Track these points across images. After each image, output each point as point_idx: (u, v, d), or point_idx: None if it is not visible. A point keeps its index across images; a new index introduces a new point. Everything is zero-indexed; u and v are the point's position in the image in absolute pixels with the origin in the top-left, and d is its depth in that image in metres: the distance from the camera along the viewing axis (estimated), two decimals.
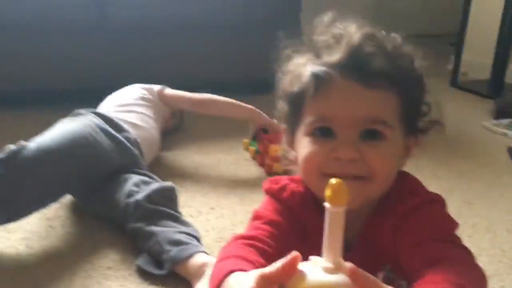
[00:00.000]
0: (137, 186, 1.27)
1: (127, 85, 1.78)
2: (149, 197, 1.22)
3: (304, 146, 0.67)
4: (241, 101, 1.67)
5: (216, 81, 2.31)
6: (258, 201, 0.77)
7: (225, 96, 1.75)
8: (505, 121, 2.19)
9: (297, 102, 0.68)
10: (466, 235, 1.36)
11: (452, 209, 1.55)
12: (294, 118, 0.70)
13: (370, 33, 0.68)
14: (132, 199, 1.22)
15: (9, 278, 1.10)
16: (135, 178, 1.31)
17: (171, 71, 2.20)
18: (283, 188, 0.73)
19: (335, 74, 0.64)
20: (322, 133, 0.66)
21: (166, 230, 1.17)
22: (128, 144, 1.38)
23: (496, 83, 2.68)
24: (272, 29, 0.84)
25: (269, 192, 0.75)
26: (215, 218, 1.37)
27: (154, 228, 1.17)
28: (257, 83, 2.36)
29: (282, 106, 0.72)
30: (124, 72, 2.09)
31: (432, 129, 0.73)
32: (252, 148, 1.73)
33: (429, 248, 0.63)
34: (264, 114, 1.72)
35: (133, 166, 1.37)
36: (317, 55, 0.67)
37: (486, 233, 1.38)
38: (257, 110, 1.72)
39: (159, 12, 2.14)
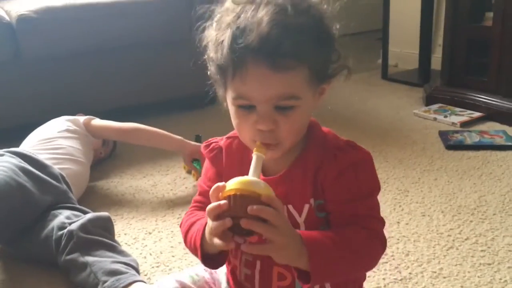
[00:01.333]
0: (69, 219, 1.22)
1: (53, 118, 1.72)
2: (84, 227, 1.18)
3: (233, 114, 0.81)
4: (178, 117, 1.63)
5: (148, 102, 2.29)
6: None
7: (161, 114, 1.71)
8: (434, 106, 2.26)
9: (221, 73, 0.79)
10: (404, 223, 1.38)
11: (390, 198, 1.59)
12: (222, 83, 0.80)
13: (279, 9, 0.74)
14: (65, 230, 1.17)
15: None
16: (66, 212, 1.26)
17: (96, 97, 2.15)
18: (210, 149, 0.93)
19: (248, 60, 0.74)
20: (244, 108, 0.78)
21: (101, 260, 1.12)
22: (53, 181, 1.33)
23: (423, 71, 2.76)
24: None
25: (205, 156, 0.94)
26: (152, 243, 1.33)
27: (89, 259, 1.12)
28: (190, 100, 2.37)
29: (211, 69, 0.81)
30: (47, 106, 2.01)
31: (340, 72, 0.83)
32: (196, 170, 1.68)
33: (345, 212, 0.82)
34: (192, 143, 1.70)
35: (62, 202, 1.31)
36: (234, 35, 0.75)
37: (422, 218, 1.40)
38: (185, 140, 1.70)
39: (79, 40, 2.08)
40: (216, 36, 0.78)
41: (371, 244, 0.82)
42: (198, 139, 1.79)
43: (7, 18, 1.96)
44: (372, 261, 0.84)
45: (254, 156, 0.79)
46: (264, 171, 0.87)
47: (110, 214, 1.28)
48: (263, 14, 0.73)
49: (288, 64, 0.73)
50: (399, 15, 2.89)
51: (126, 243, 1.32)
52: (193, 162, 1.70)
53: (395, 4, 2.80)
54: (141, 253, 1.29)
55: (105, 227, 1.23)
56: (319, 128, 0.89)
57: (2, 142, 1.61)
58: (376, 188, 0.88)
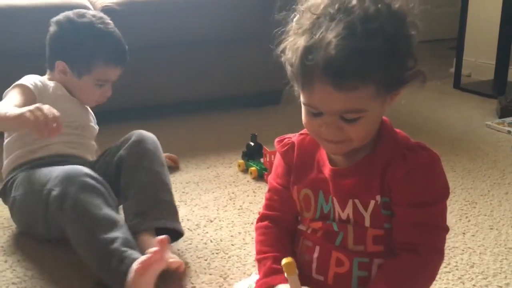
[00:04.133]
0: None
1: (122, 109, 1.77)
2: None
3: (303, 112, 0.85)
4: (239, 114, 1.62)
5: (214, 97, 2.33)
6: (256, 212, 0.77)
7: (224, 110, 1.70)
8: (509, 119, 2.16)
9: (294, 78, 0.82)
10: (470, 234, 1.33)
11: (456, 209, 1.55)
12: (296, 84, 0.83)
13: (348, 32, 0.75)
14: None
15: None
16: None
17: (165, 89, 2.23)
18: (282, 144, 0.96)
19: (315, 78, 0.77)
20: (313, 112, 0.82)
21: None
22: None
23: (499, 82, 2.64)
24: (267, 42, 0.86)
25: (277, 150, 0.97)
26: (213, 230, 1.36)
27: None
28: (261, 97, 2.40)
29: (287, 68, 0.83)
30: (121, 96, 2.09)
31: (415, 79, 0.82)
32: (254, 168, 1.69)
33: (408, 217, 0.84)
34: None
35: None
36: (305, 50, 0.77)
37: (490, 231, 1.35)
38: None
39: (155, 33, 2.16)
40: (293, 40, 0.81)
41: (428, 270, 0.84)
42: (253, 138, 1.79)
43: (92, 8, 2.07)
44: (432, 280, 0.86)
45: (288, 279, 0.82)
46: (335, 162, 0.89)
47: (175, 199, 1.33)
48: (332, 35, 0.75)
49: (351, 85, 0.75)
50: (477, 23, 2.79)
51: (188, 228, 1.36)
52: (249, 161, 1.72)
53: (473, 12, 2.70)
54: (202, 239, 1.32)
55: None
56: (391, 127, 0.89)
57: None
58: (445, 193, 0.87)
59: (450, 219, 1.36)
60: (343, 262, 0.87)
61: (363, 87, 0.76)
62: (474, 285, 1.13)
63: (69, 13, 1.42)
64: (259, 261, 0.94)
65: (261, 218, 0.99)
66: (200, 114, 2.14)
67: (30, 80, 1.35)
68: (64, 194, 1.13)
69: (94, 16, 1.42)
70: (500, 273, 1.17)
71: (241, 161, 1.75)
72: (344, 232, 0.87)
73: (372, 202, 0.85)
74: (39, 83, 1.36)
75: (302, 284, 0.90)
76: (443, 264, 1.18)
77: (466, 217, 1.42)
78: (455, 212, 1.43)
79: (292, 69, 0.81)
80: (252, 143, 1.78)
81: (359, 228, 0.86)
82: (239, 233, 1.34)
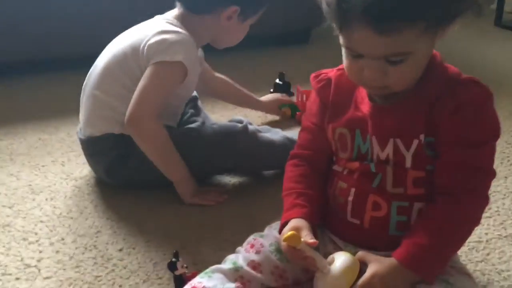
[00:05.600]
0: None
1: None
2: None
3: (343, 53, 0.79)
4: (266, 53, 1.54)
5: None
6: None
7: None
8: None
9: (331, 19, 0.76)
10: None
11: (498, 151, 1.46)
12: (333, 23, 0.77)
13: None
14: None
15: (34, 237, 1.10)
16: None
17: None
18: (318, 80, 0.91)
19: (353, 24, 0.72)
20: (353, 54, 0.76)
21: None
22: None
23: None
24: None
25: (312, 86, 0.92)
26: None
27: None
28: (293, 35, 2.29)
29: (323, 7, 0.77)
30: None
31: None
32: (288, 109, 1.62)
33: (454, 158, 0.78)
34: (264, 100, 1.62)
35: None
36: None
37: None
38: (262, 100, 1.62)
39: None
40: None
41: (469, 216, 0.80)
42: (281, 76, 1.72)
43: None
44: (474, 226, 0.83)
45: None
46: (375, 99, 0.83)
47: None
48: None
49: (395, 27, 0.70)
50: None
51: None
52: (281, 106, 1.64)
53: None
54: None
55: None
56: (441, 61, 0.81)
57: None
58: (495, 134, 0.80)
59: None
60: (380, 206, 0.82)
61: (408, 28, 0.70)
62: None
63: None
64: (283, 198, 0.90)
65: (292, 156, 0.95)
66: (225, 54, 2.05)
67: (180, 49, 1.17)
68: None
69: None
70: None
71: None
72: (382, 174, 0.82)
73: (415, 142, 0.79)
74: (192, 56, 1.21)
75: (337, 228, 0.86)
76: None
77: (508, 160, 1.35)
78: (496, 155, 1.33)
79: (328, 8, 0.74)
80: (280, 82, 1.71)
81: (399, 169, 0.81)
82: None
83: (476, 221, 0.82)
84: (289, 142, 1.26)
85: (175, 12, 1.26)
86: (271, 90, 1.71)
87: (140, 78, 1.16)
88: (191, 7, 1.24)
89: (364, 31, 0.71)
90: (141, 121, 1.14)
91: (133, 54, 1.19)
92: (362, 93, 0.85)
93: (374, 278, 0.75)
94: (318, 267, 0.78)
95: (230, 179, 1.30)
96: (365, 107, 0.83)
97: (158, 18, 1.26)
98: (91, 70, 1.28)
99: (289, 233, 0.78)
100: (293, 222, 0.83)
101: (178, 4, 1.26)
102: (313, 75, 0.92)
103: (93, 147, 1.24)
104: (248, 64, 2.11)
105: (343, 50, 0.79)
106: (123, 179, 1.24)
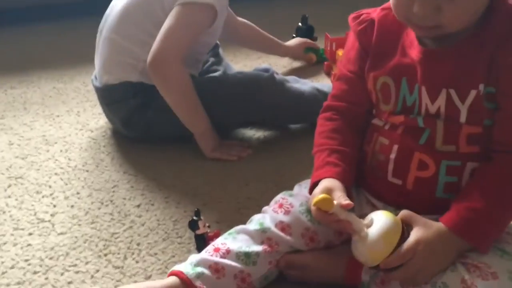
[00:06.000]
0: None
1: None
2: None
3: None
4: None
5: None
6: None
7: None
8: None
9: None
10: None
11: None
12: None
13: None
14: None
15: (48, 190, 1.04)
16: None
17: None
18: (359, 21, 0.80)
19: None
20: None
21: None
22: None
23: None
24: None
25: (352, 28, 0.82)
26: None
27: None
28: None
29: None
30: None
31: None
32: (313, 54, 1.53)
33: None
34: (288, 45, 1.51)
35: None
36: None
37: None
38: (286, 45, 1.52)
39: None
40: None
41: None
42: (304, 20, 1.60)
43: None
44: None
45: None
46: (427, 43, 0.72)
47: None
48: None
49: None
50: None
51: None
52: (306, 51, 1.54)
53: None
54: None
55: None
56: (507, 1, 0.70)
57: None
58: None
59: None
60: (427, 165, 0.73)
61: None
62: None
63: None
64: (314, 154, 0.81)
65: (325, 108, 0.85)
66: None
67: None
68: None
69: None
70: None
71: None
72: (431, 129, 0.72)
73: (473, 93, 0.69)
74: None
75: (376, 188, 0.78)
76: None
77: None
78: None
79: None
80: (303, 26, 1.60)
81: (452, 124, 0.71)
82: None
83: None
84: (320, 94, 1.17)
85: None
86: (294, 35, 1.60)
87: (163, 22, 1.07)
88: None
89: None
90: (165, 63, 1.05)
91: None
92: (411, 36, 0.74)
93: (419, 244, 0.67)
94: (355, 230, 0.70)
95: (254, 133, 1.22)
96: (414, 51, 0.73)
97: None
98: (107, 11, 1.19)
99: (320, 196, 0.69)
100: (325, 183, 0.75)
101: None
102: (352, 15, 0.81)
103: (109, 96, 1.16)
104: (269, 8, 1.98)
105: None
106: (141, 130, 1.16)
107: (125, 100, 1.13)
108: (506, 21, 0.69)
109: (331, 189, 0.73)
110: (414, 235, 0.68)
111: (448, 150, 0.72)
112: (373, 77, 0.78)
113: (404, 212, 0.71)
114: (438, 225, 0.68)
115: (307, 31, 1.59)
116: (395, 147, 0.75)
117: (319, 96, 1.15)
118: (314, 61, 1.53)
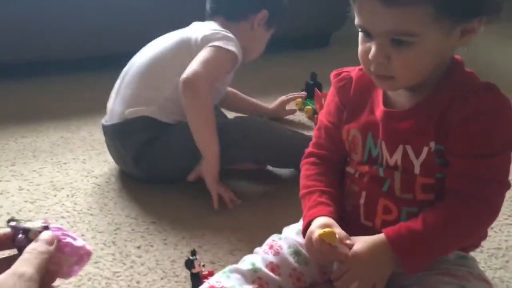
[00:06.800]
0: None
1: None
2: None
3: (359, 39, 0.79)
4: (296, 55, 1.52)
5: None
6: None
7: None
8: None
9: None
10: None
11: None
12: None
13: None
14: None
15: None
16: None
17: None
18: (340, 78, 0.90)
19: None
20: (365, 34, 0.76)
21: None
22: None
23: None
24: None
25: (333, 84, 0.91)
26: None
27: None
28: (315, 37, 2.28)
29: None
30: None
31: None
32: (309, 107, 1.65)
33: (463, 168, 0.76)
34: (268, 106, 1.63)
35: None
36: None
37: None
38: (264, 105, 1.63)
39: None
40: None
41: (472, 221, 0.77)
42: (313, 77, 1.73)
43: None
44: (474, 233, 0.81)
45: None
46: (391, 103, 0.82)
47: None
48: None
49: (400, 1, 0.69)
50: None
51: None
52: (307, 100, 1.67)
53: None
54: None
55: None
56: (461, 68, 0.80)
57: None
58: (509, 144, 0.77)
59: None
60: (391, 210, 0.82)
61: (417, 4, 0.69)
62: None
63: None
64: (303, 196, 0.89)
65: (308, 155, 0.94)
66: None
67: (233, 44, 1.24)
68: None
69: None
70: None
71: (299, 100, 1.70)
72: (391, 179, 0.81)
73: (425, 149, 0.78)
74: (238, 48, 1.27)
75: (352, 229, 0.85)
76: (504, 216, 1.12)
77: None
78: None
79: None
80: (311, 82, 1.72)
81: (408, 175, 0.80)
82: None
83: (480, 228, 0.81)
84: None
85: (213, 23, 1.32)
86: (303, 88, 1.72)
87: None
88: (230, 14, 1.32)
89: (370, 1, 0.71)
90: (198, 83, 1.16)
91: (185, 45, 1.26)
92: (379, 97, 0.84)
93: (354, 258, 0.77)
94: (342, 257, 0.79)
95: (245, 184, 1.31)
96: (378, 110, 0.83)
97: (201, 23, 1.34)
98: (127, 68, 1.32)
99: (326, 229, 0.77)
100: (322, 220, 0.81)
101: (211, 17, 1.34)
102: (334, 72, 0.91)
103: (126, 130, 1.25)
104: (273, 67, 2.12)
105: (359, 35, 0.78)
106: (148, 166, 1.25)
107: (139, 133, 1.24)
108: (454, 86, 0.77)
109: (329, 225, 0.80)
110: (351, 250, 0.77)
111: (407, 198, 0.80)
112: (346, 129, 0.87)
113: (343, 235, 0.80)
114: (374, 238, 0.77)
115: (314, 87, 1.68)
116: (364, 193, 0.84)
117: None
118: (310, 115, 1.64)
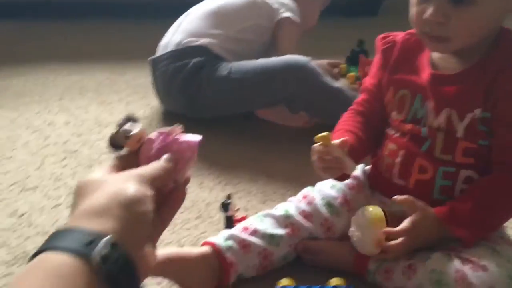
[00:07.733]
0: None
1: None
2: None
3: (411, 4, 0.79)
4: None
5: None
6: None
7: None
8: None
9: None
10: None
11: None
12: None
13: None
14: None
15: (99, 166, 1.17)
16: None
17: None
18: (385, 41, 0.90)
19: None
20: None
21: None
22: None
23: None
24: None
25: (378, 45, 0.92)
26: None
27: None
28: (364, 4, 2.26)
29: None
30: None
31: None
32: (352, 74, 1.65)
33: (507, 139, 0.77)
34: None
35: None
36: None
37: None
38: None
39: None
40: None
41: None
42: (361, 43, 1.72)
43: None
44: None
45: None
46: (438, 68, 0.83)
47: None
48: None
49: None
50: None
51: None
52: (351, 66, 1.68)
53: None
54: None
55: None
56: (511, 38, 0.80)
57: None
58: None
59: None
60: (426, 169, 0.82)
61: None
62: None
63: None
64: (332, 134, 0.89)
65: (349, 110, 0.95)
66: None
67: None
68: None
69: None
70: None
71: (343, 64, 1.70)
72: (432, 139, 0.82)
73: (470, 115, 0.78)
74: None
75: (384, 188, 0.88)
76: None
77: None
78: None
79: None
80: (357, 49, 1.71)
81: (450, 138, 0.81)
82: None
83: None
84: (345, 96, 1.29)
85: None
86: (348, 55, 1.72)
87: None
88: None
89: None
90: (293, 28, 1.43)
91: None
92: (426, 59, 0.84)
93: (413, 227, 0.78)
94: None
95: (286, 142, 1.34)
96: (426, 74, 0.83)
97: None
98: (191, 10, 1.41)
99: (323, 133, 0.79)
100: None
101: None
102: (380, 36, 0.92)
103: (180, 54, 1.32)
104: (319, 33, 2.11)
105: None
106: (192, 92, 1.30)
107: (192, 58, 1.30)
108: (504, 55, 0.77)
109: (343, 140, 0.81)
110: (410, 219, 0.79)
111: (445, 159, 0.81)
112: (393, 89, 0.87)
113: (408, 198, 0.80)
114: (430, 213, 0.79)
115: (358, 54, 1.68)
116: (401, 152, 0.85)
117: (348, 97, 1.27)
118: (352, 81, 1.63)
